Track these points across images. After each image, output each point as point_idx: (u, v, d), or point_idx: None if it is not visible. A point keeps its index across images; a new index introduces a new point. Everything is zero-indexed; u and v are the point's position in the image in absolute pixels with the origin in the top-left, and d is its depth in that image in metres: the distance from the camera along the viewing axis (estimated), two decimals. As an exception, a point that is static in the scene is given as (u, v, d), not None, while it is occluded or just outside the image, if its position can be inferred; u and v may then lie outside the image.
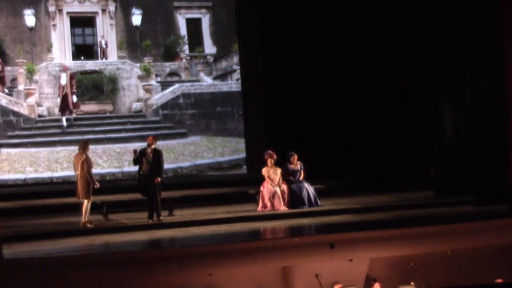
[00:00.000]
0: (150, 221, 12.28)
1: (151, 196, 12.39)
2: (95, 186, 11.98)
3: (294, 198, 13.35)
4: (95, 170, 18.81)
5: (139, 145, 18.51)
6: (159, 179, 12.43)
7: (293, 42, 17.19)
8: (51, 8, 20.91)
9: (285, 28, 17.24)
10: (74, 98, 20.28)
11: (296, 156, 13.64)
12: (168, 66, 21.90)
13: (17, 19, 20.38)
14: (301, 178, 13.59)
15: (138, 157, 12.52)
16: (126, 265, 9.31)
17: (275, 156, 13.54)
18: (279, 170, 13.50)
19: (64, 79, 20.14)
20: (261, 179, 13.52)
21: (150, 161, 12.42)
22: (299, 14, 17.23)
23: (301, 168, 13.64)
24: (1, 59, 20.24)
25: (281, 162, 13.66)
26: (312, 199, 13.42)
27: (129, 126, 20.67)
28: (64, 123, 19.97)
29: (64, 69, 20.31)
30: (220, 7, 21.65)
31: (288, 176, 13.52)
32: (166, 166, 18.79)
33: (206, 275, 9.61)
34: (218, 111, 20.92)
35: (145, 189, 12.47)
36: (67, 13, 21.29)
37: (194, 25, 21.95)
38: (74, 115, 20.23)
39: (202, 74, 21.77)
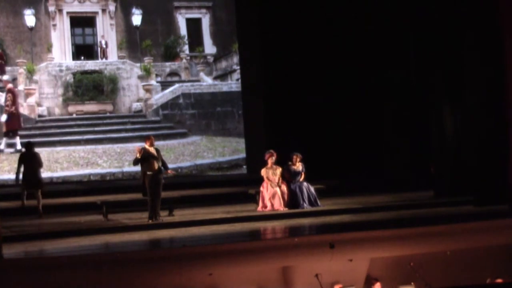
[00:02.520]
0: (150, 221, 12.27)
1: (157, 195, 12.38)
2: None
3: (294, 198, 13.33)
4: (95, 170, 18.99)
5: (139, 145, 18.54)
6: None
7: (293, 42, 17.18)
8: (51, 8, 20.92)
9: (285, 28, 17.23)
10: (3, 117, 19.16)
11: (299, 157, 13.58)
12: (168, 66, 21.92)
13: (17, 19, 20.39)
14: (301, 180, 13.55)
15: (144, 157, 12.40)
16: (126, 265, 9.31)
17: (275, 155, 13.52)
18: (278, 170, 13.46)
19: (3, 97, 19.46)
20: (261, 179, 13.51)
21: (157, 159, 12.43)
22: (299, 14, 17.22)
23: (302, 170, 13.61)
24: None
25: (281, 162, 13.64)
26: (312, 199, 13.40)
27: (129, 126, 20.69)
28: (2, 146, 19.10)
29: (4, 84, 19.60)
30: (220, 7, 21.66)
31: (288, 176, 13.49)
32: (168, 168, 18.88)
33: (206, 275, 9.61)
34: (218, 111, 20.93)
35: (154, 188, 12.40)
36: (67, 13, 21.31)
37: (194, 25, 21.97)
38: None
39: (202, 74, 21.78)
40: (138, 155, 12.39)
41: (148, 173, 12.37)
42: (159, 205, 12.43)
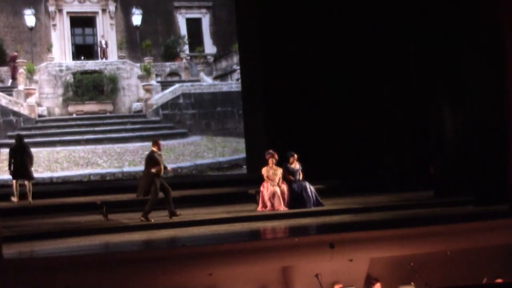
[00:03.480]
0: (152, 220, 12.30)
1: (167, 195, 12.55)
2: None
3: (296, 198, 13.34)
4: (95, 170, 18.98)
5: (139, 145, 18.59)
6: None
7: (293, 42, 17.18)
8: (51, 8, 20.94)
9: (285, 28, 17.23)
10: None
11: (295, 157, 13.64)
12: (168, 66, 21.93)
13: (17, 19, 20.41)
14: (300, 178, 13.59)
15: (156, 161, 12.51)
16: (126, 265, 9.31)
17: (276, 156, 13.54)
18: (279, 170, 13.48)
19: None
20: (261, 179, 13.52)
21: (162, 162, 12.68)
22: (299, 14, 17.23)
23: (300, 168, 13.64)
24: (1, 59, 20.27)
25: (281, 162, 13.67)
26: (315, 199, 13.41)
27: (129, 126, 20.70)
28: None
29: None
30: (220, 7, 21.68)
31: (288, 176, 13.52)
32: (167, 166, 18.84)
33: (206, 275, 9.61)
34: (218, 111, 20.94)
35: (163, 189, 12.55)
36: (67, 13, 21.32)
37: (194, 25, 21.98)
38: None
39: (202, 74, 21.79)
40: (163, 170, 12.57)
41: (157, 175, 12.48)
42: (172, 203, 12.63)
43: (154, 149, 12.62)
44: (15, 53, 20.41)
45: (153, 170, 12.40)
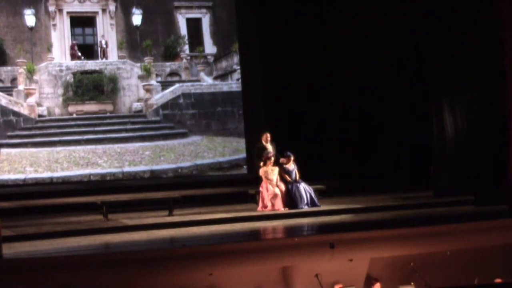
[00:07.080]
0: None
1: None
2: None
3: (291, 198, 13.36)
4: (95, 170, 18.98)
5: (140, 145, 18.57)
6: None
7: (293, 41, 17.19)
8: (51, 8, 20.91)
9: (285, 27, 17.24)
10: None
11: (292, 158, 13.69)
12: (169, 66, 21.89)
13: (17, 19, 20.37)
14: (297, 178, 13.60)
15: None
16: (126, 265, 9.31)
17: (270, 155, 13.58)
18: (276, 170, 13.52)
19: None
20: (261, 179, 13.53)
21: None
22: (299, 13, 17.24)
23: (295, 169, 13.68)
24: (1, 59, 20.25)
25: (278, 162, 13.70)
26: (309, 199, 13.41)
27: (129, 126, 20.67)
28: None
29: None
30: (220, 7, 21.63)
31: (284, 175, 13.54)
32: (166, 166, 18.83)
33: (206, 275, 9.61)
34: (218, 111, 20.91)
35: None
36: (67, 12, 21.29)
37: (194, 25, 21.94)
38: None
39: (202, 74, 21.76)
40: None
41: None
42: None
43: (263, 140, 13.05)
44: (74, 42, 20.71)
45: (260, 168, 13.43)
